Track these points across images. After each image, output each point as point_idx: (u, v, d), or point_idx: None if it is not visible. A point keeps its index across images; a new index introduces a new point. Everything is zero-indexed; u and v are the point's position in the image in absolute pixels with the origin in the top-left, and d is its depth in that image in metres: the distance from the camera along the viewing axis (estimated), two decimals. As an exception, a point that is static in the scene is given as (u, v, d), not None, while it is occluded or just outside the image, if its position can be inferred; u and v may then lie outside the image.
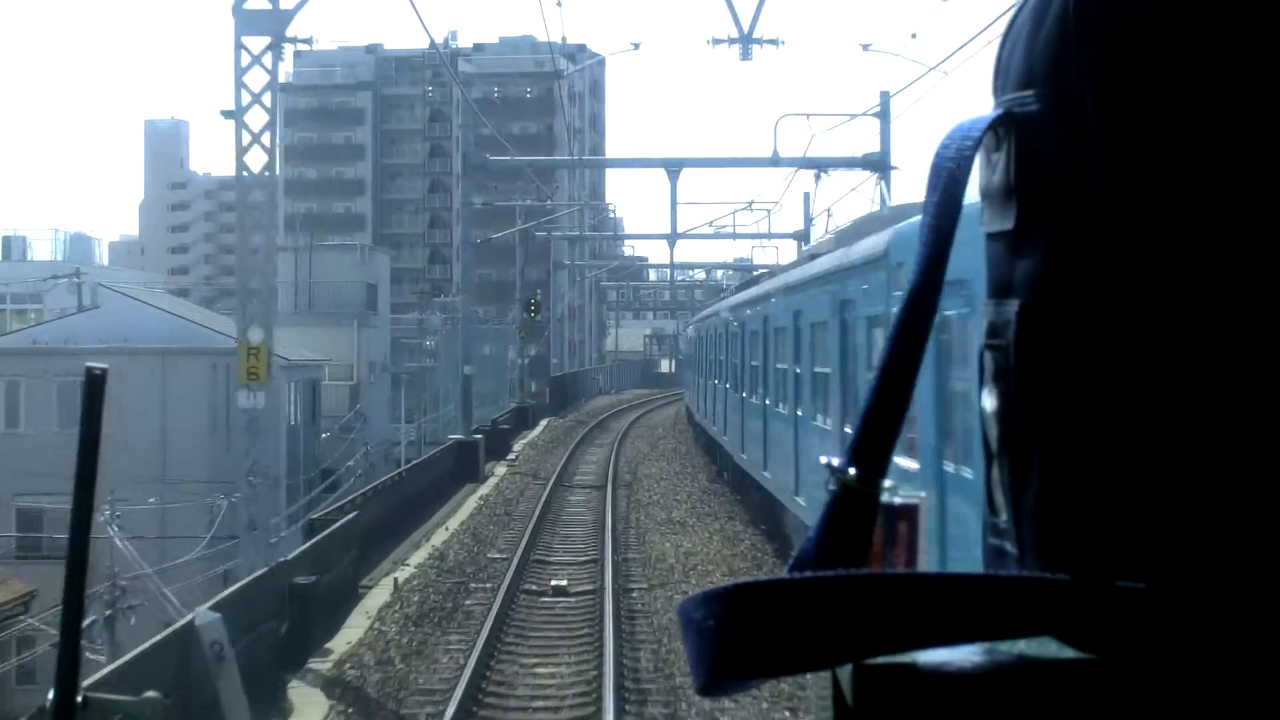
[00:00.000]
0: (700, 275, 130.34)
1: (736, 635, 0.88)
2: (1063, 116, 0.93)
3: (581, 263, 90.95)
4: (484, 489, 37.20)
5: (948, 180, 0.97)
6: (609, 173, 65.66)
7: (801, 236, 50.77)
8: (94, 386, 1.50)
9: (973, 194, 1.00)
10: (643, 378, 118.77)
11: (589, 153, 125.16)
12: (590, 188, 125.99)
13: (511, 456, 46.62)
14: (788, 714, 15.05)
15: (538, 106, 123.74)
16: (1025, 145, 0.97)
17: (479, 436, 44.58)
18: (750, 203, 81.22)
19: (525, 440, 52.58)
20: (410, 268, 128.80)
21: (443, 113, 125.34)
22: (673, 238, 53.14)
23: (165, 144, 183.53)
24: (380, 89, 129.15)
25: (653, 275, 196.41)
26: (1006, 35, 1.01)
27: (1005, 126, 0.98)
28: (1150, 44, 0.91)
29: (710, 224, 76.93)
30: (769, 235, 65.45)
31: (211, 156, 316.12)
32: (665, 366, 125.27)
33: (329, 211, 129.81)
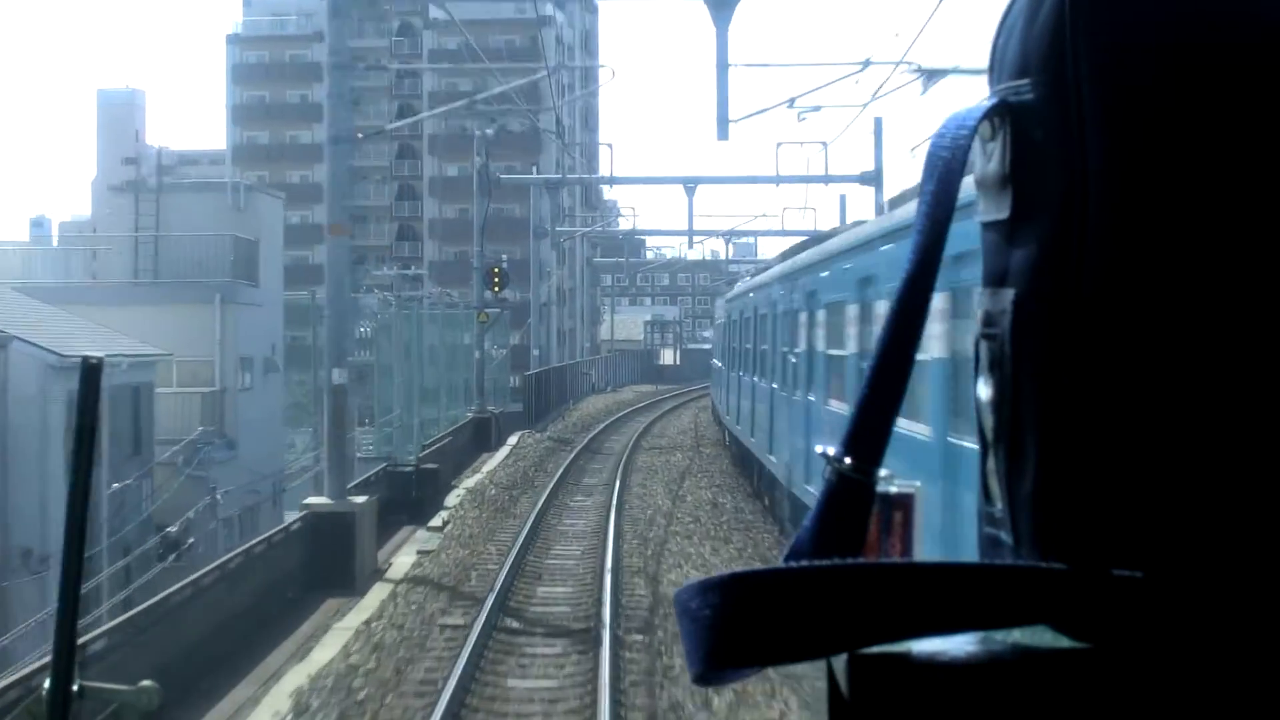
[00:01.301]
0: (705, 256, 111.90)
1: (732, 624, 0.88)
2: (1058, 105, 0.92)
3: (564, 229, 71.62)
4: (307, 666, 15.41)
5: (943, 170, 0.95)
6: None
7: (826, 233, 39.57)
8: (90, 376, 1.48)
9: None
10: (643, 371, 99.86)
11: (580, 112, 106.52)
12: (582, 114, 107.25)
13: (436, 523, 26.37)
14: None
15: (520, 58, 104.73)
16: (1021, 134, 0.95)
17: (360, 500, 22.62)
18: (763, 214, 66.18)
19: (471, 482, 32.85)
20: (376, 245, 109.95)
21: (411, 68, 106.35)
22: (690, 233, 53.03)
23: (119, 115, 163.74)
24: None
25: (650, 255, 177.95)
26: (1002, 24, 0.99)
27: (1001, 115, 0.96)
28: (1145, 32, 0.90)
29: (728, 240, 61.31)
30: (796, 233, 53.62)
31: (170, 128, 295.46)
32: (669, 358, 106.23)
33: (282, 180, 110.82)
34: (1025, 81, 0.94)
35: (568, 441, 42.67)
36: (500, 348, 71.84)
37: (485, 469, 35.56)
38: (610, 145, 47.47)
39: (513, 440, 43.74)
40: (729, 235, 65.22)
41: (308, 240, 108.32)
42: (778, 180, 44.82)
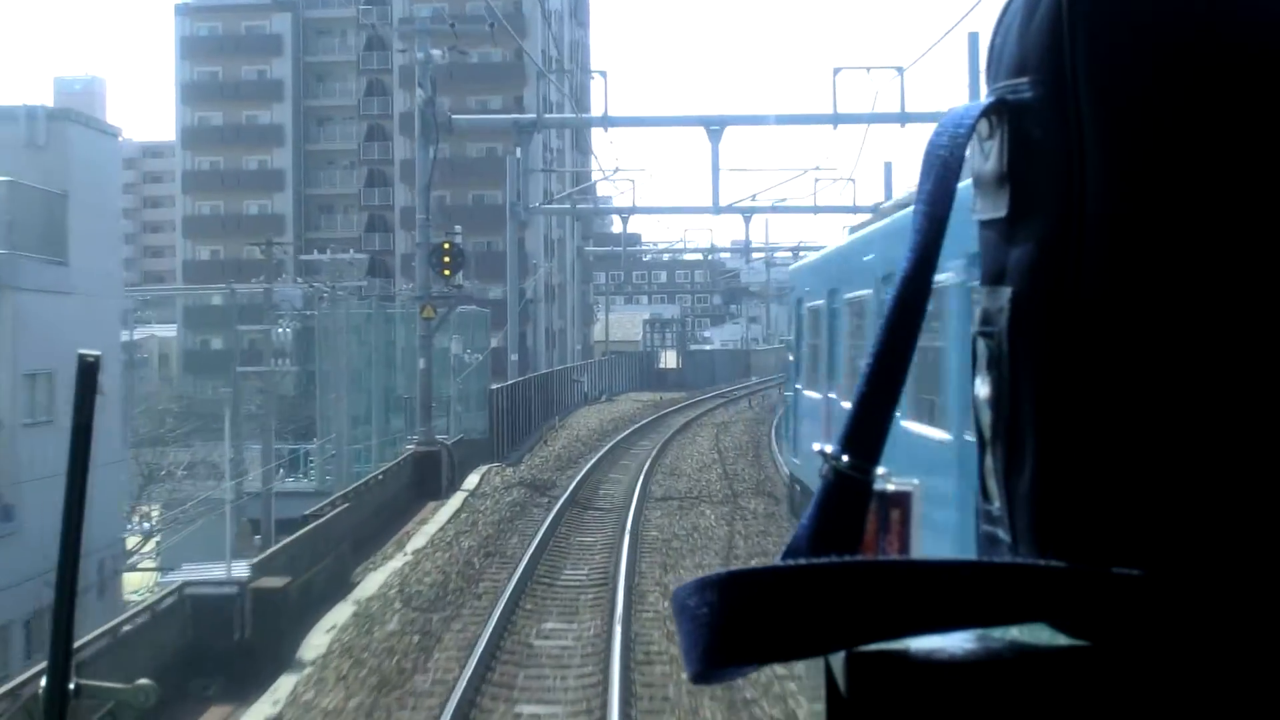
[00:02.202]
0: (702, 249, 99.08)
1: (730, 623, 0.87)
2: (1056, 104, 0.91)
3: (549, 207, 58.66)
4: None
5: (941, 168, 0.95)
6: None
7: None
8: (86, 373, 1.48)
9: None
10: (642, 376, 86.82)
11: (570, 89, 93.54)
12: (570, 47, 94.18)
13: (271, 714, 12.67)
14: None
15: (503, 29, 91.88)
16: (1018, 132, 0.95)
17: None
18: (816, 167, 56.87)
19: (368, 590, 18.78)
20: (344, 237, 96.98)
21: (381, 39, 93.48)
22: (716, 209, 38.95)
23: (78, 105, 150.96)
24: (302, 10, 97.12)
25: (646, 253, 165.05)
26: (1000, 22, 0.99)
27: (998, 114, 0.96)
28: (1142, 30, 0.90)
29: (753, 197, 48.86)
30: (851, 209, 43.71)
31: (132, 118, 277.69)
32: (670, 360, 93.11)
33: (239, 166, 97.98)
34: (1023, 80, 0.94)
35: (545, 487, 29.62)
36: (475, 352, 58.87)
37: (407, 550, 22.42)
38: (604, 74, 34.23)
39: (470, 483, 30.74)
40: (748, 212, 52.08)
41: (267, 231, 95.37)
42: (835, 120, 32.02)
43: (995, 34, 0.98)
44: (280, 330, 40.93)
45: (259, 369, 35.74)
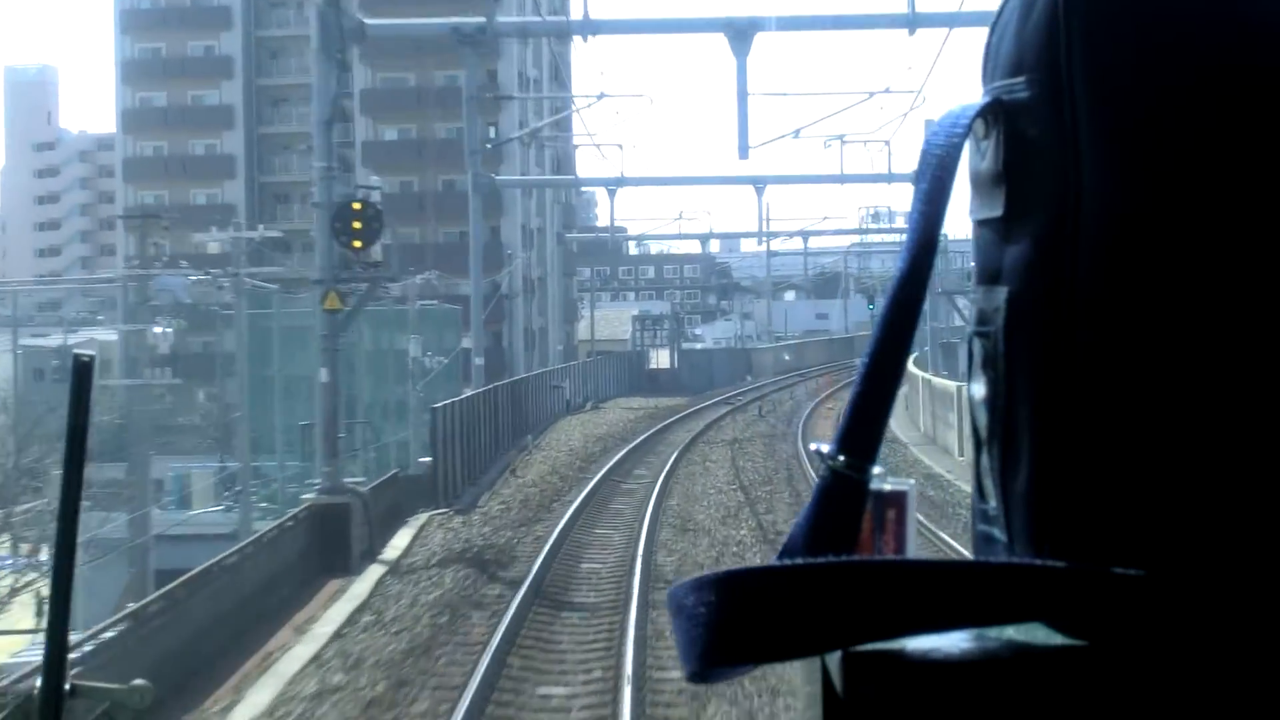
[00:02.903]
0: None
1: (727, 622, 0.87)
2: (1052, 103, 0.91)
3: (523, 179, 49.14)
4: None
5: (937, 167, 0.94)
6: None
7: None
8: (81, 374, 1.47)
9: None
10: (632, 379, 76.90)
11: (550, 46, 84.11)
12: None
13: None
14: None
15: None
16: (1014, 132, 0.94)
17: None
18: (882, 90, 48.80)
19: None
20: (300, 229, 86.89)
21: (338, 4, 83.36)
22: (744, 151, 25.91)
23: (30, 96, 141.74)
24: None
25: (633, 247, 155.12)
26: (996, 22, 0.98)
27: (994, 113, 0.95)
28: (1139, 30, 0.90)
29: (796, 133, 38.31)
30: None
31: (87, 110, 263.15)
32: (663, 360, 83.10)
33: (184, 151, 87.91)
34: (1019, 80, 0.93)
35: (500, 560, 19.63)
36: (440, 355, 48.91)
37: (260, 690, 12.47)
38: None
39: (398, 544, 20.92)
40: (761, 183, 42.19)
41: (212, 221, 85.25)
42: (911, 23, 22.20)
43: (992, 33, 0.98)
44: (160, 330, 31.02)
45: (132, 381, 25.69)
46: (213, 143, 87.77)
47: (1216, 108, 0.88)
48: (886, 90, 35.43)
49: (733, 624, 0.86)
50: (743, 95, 23.25)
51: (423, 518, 24.10)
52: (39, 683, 1.50)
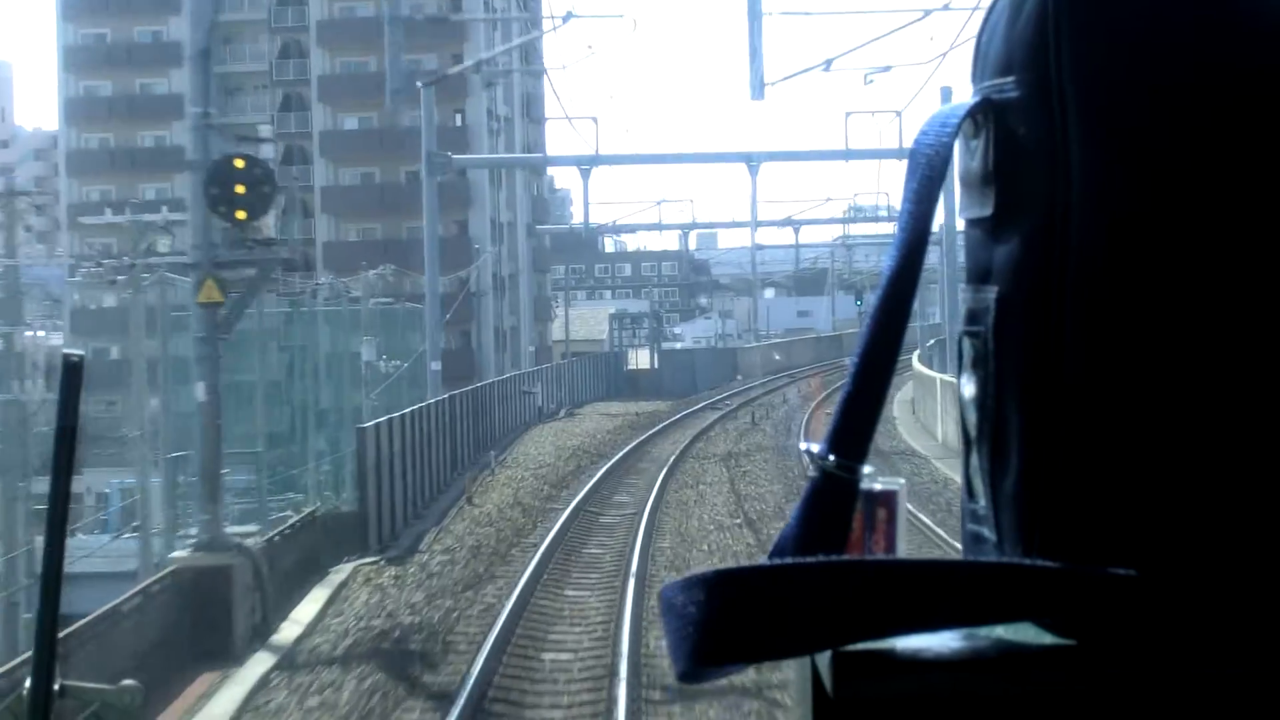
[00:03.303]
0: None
1: (717, 622, 0.87)
2: (1041, 103, 0.91)
3: (488, 158, 44.00)
4: None
5: (926, 167, 0.94)
6: None
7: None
8: (71, 374, 1.46)
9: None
10: (610, 381, 71.48)
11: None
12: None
13: None
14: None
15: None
16: (1004, 132, 0.94)
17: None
18: (940, 7, 36.12)
19: None
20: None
21: (296, -10, 78.11)
22: (758, 89, 23.61)
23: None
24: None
25: (609, 244, 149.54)
26: (986, 22, 0.98)
27: (984, 113, 0.95)
28: (1129, 29, 0.89)
29: (826, 64, 32.19)
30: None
31: (42, 106, 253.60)
32: (642, 360, 77.62)
33: (131, 144, 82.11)
34: (1009, 79, 0.93)
35: (434, 651, 14.08)
36: (392, 361, 43.54)
37: None
38: None
39: (301, 618, 15.47)
40: (755, 160, 36.71)
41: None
42: None
43: (981, 33, 0.98)
44: (34, 335, 25.44)
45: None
46: (162, 133, 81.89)
47: (1207, 107, 0.88)
48: (945, 7, 27.84)
49: (723, 623, 0.86)
50: (756, 15, 17.73)
51: (345, 570, 18.62)
52: (28, 683, 1.48)
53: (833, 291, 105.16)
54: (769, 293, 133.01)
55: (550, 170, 55.42)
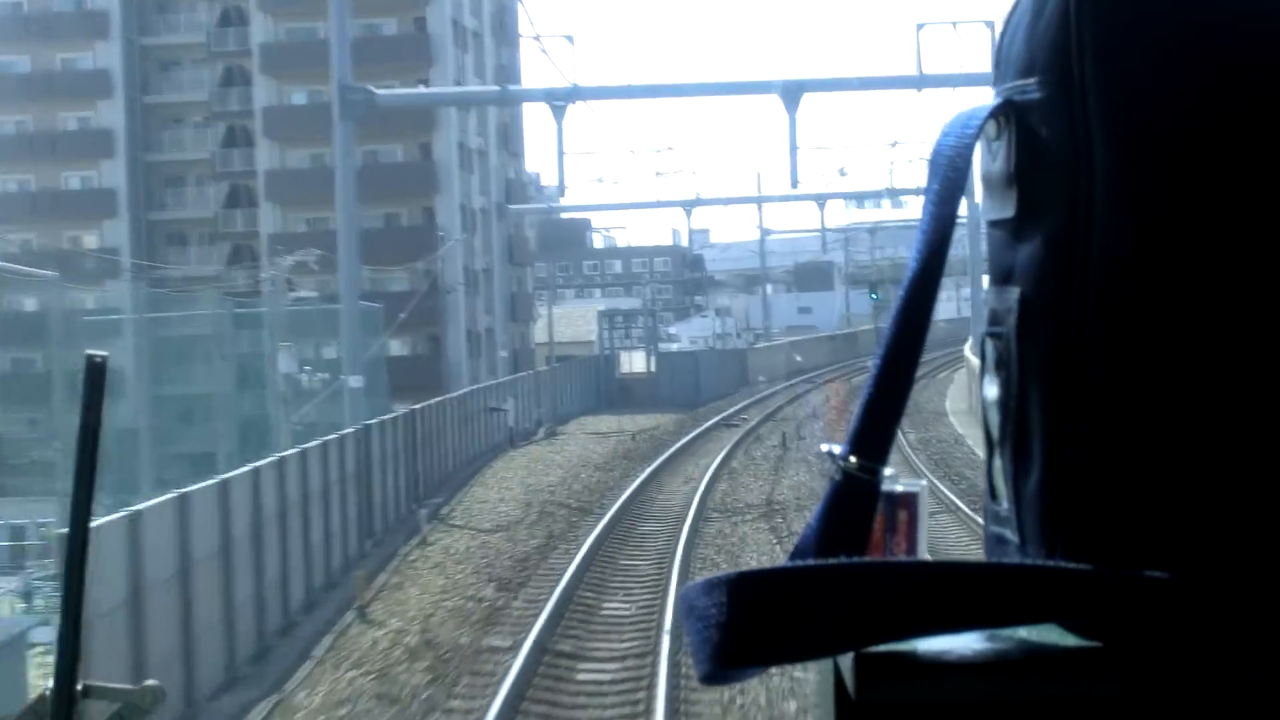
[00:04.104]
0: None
1: (739, 624, 0.86)
2: (1064, 104, 0.91)
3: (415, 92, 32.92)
4: None
5: (948, 168, 0.94)
6: None
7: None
8: (94, 374, 1.46)
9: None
10: (599, 389, 61.01)
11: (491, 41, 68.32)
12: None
13: None
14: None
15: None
16: (1026, 133, 0.94)
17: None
18: None
19: None
20: (196, 218, 70.64)
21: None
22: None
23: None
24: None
25: (599, 240, 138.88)
26: (1007, 23, 0.98)
27: (1006, 115, 0.95)
28: (1150, 31, 0.89)
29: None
30: None
31: None
32: (635, 365, 67.01)
33: (52, 126, 71.35)
34: (1031, 80, 0.93)
35: None
36: (324, 375, 34.44)
37: None
38: None
39: None
40: (793, 90, 26.19)
41: (93, 211, 68.80)
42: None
43: (1003, 35, 0.97)
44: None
45: None
46: (87, 114, 71.10)
47: (1229, 109, 0.87)
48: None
49: (745, 625, 0.86)
50: None
51: None
52: (51, 682, 1.47)
53: (846, 283, 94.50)
54: (767, 289, 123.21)
55: (524, 149, 45.08)
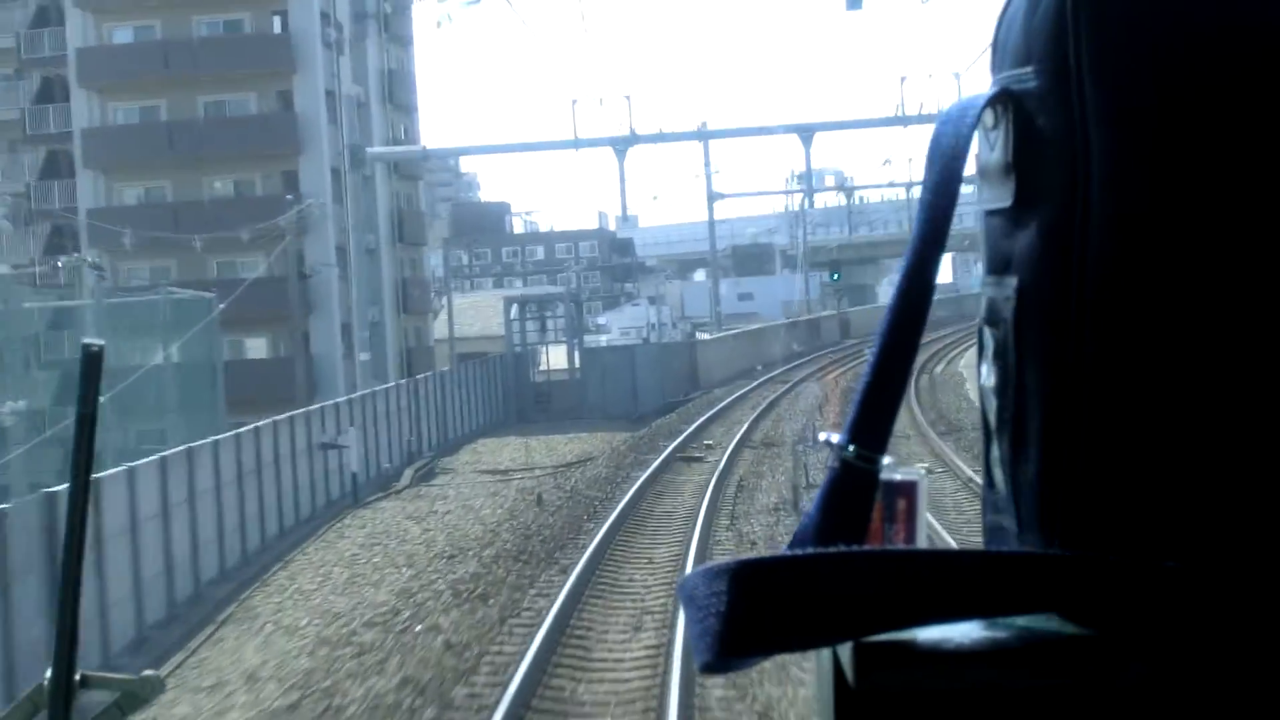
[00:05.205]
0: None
1: (738, 612, 0.86)
2: (1060, 93, 0.90)
3: None
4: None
5: (945, 157, 0.93)
6: None
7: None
8: (91, 363, 1.47)
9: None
10: (507, 399, 46.85)
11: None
12: None
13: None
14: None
15: None
16: (1023, 122, 0.93)
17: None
18: None
19: None
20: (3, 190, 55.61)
21: None
22: None
23: None
24: None
25: (519, 225, 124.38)
26: (1004, 12, 0.97)
27: (1003, 104, 0.94)
28: (1147, 19, 0.89)
29: None
30: None
31: None
32: (558, 360, 52.62)
33: None
34: (1027, 70, 0.92)
35: None
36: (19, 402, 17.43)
37: None
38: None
39: None
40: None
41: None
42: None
43: (999, 24, 0.97)
44: None
45: None
46: None
47: (1228, 96, 0.87)
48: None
49: (745, 614, 0.85)
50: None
51: None
52: (49, 673, 1.48)
53: (804, 268, 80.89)
54: (699, 275, 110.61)
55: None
